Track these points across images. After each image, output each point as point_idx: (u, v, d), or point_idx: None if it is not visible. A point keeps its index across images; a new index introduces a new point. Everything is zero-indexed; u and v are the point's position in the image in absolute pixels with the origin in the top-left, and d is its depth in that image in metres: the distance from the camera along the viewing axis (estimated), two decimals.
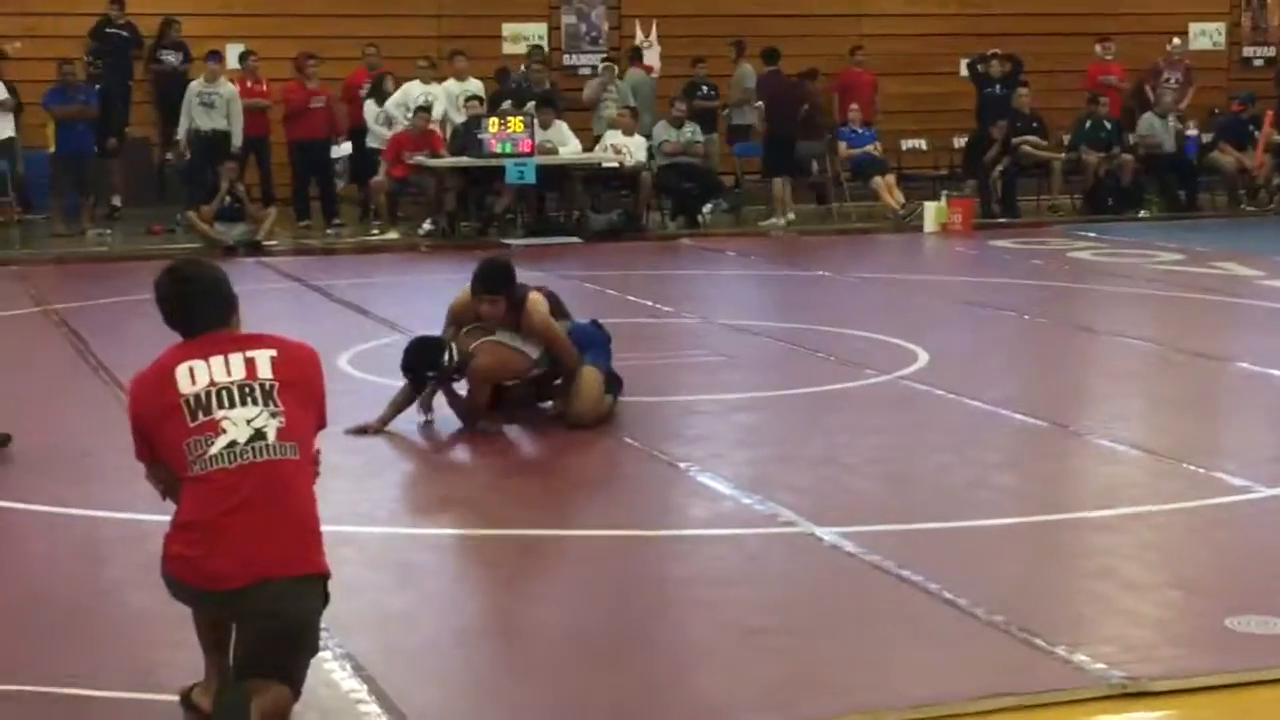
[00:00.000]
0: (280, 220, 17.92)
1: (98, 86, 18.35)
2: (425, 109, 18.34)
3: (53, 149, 18.07)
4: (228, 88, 18.14)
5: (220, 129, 17.97)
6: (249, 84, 18.52)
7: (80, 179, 18.19)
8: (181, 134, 18.06)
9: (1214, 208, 20.90)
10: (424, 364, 8.65)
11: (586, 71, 20.96)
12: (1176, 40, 22.25)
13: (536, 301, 8.73)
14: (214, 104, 17.99)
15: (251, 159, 18.45)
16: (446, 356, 8.60)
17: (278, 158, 18.93)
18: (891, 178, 19.78)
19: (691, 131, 19.22)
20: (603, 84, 19.86)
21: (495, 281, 8.67)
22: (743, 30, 21.11)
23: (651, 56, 21.40)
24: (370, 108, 18.93)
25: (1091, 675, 5.15)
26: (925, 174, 20.63)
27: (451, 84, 19.19)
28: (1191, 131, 20.89)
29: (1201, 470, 7.72)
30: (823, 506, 7.16)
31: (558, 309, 9.06)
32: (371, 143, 18.87)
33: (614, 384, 8.86)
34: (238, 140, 18.02)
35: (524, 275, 9.12)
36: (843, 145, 19.87)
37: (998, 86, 20.65)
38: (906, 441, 8.56)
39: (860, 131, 19.94)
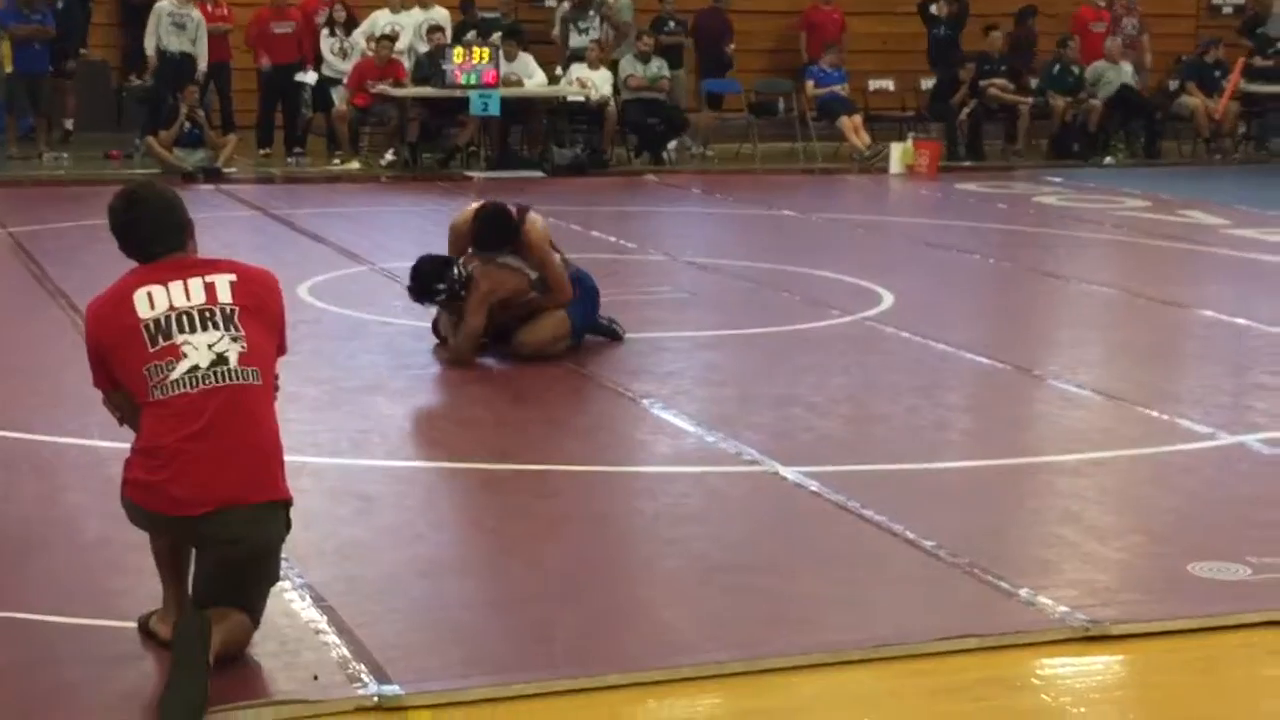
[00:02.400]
0: (240, 148, 17.76)
1: (58, 5, 18.10)
2: (390, 38, 18.16)
3: (9, 69, 17.84)
4: (196, 13, 17.92)
5: (188, 52, 17.78)
6: (209, 7, 18.29)
7: (35, 100, 17.97)
8: (151, 51, 17.82)
9: (1180, 155, 20.91)
10: (433, 278, 8.55)
11: (553, 3, 20.75)
12: None
13: (535, 221, 8.69)
14: (185, 25, 17.78)
15: (211, 85, 18.26)
16: (456, 271, 8.54)
17: (244, 84, 18.73)
18: (859, 118, 19.73)
19: (658, 67, 19.11)
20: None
21: (495, 241, 8.63)
22: None
23: None
24: (324, 37, 18.72)
25: (1054, 618, 5.15)
26: (892, 115, 20.56)
27: (416, 12, 18.99)
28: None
29: (1165, 416, 7.72)
30: (787, 446, 7.14)
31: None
32: (326, 72, 18.65)
33: (574, 336, 8.82)
34: (203, 65, 17.83)
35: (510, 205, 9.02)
36: (810, 84, 19.79)
37: (942, 28, 20.63)
38: (871, 382, 8.54)
39: (829, 71, 19.85)
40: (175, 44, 17.76)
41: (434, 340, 8.96)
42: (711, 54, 20.28)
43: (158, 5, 17.92)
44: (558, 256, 8.86)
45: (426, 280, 8.58)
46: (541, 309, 8.73)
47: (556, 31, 19.81)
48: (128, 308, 4.70)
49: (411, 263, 8.75)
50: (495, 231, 8.67)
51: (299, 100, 18.80)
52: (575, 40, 19.55)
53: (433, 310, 8.86)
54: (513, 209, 8.79)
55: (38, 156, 17.72)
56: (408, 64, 18.37)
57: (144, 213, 4.83)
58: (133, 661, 4.71)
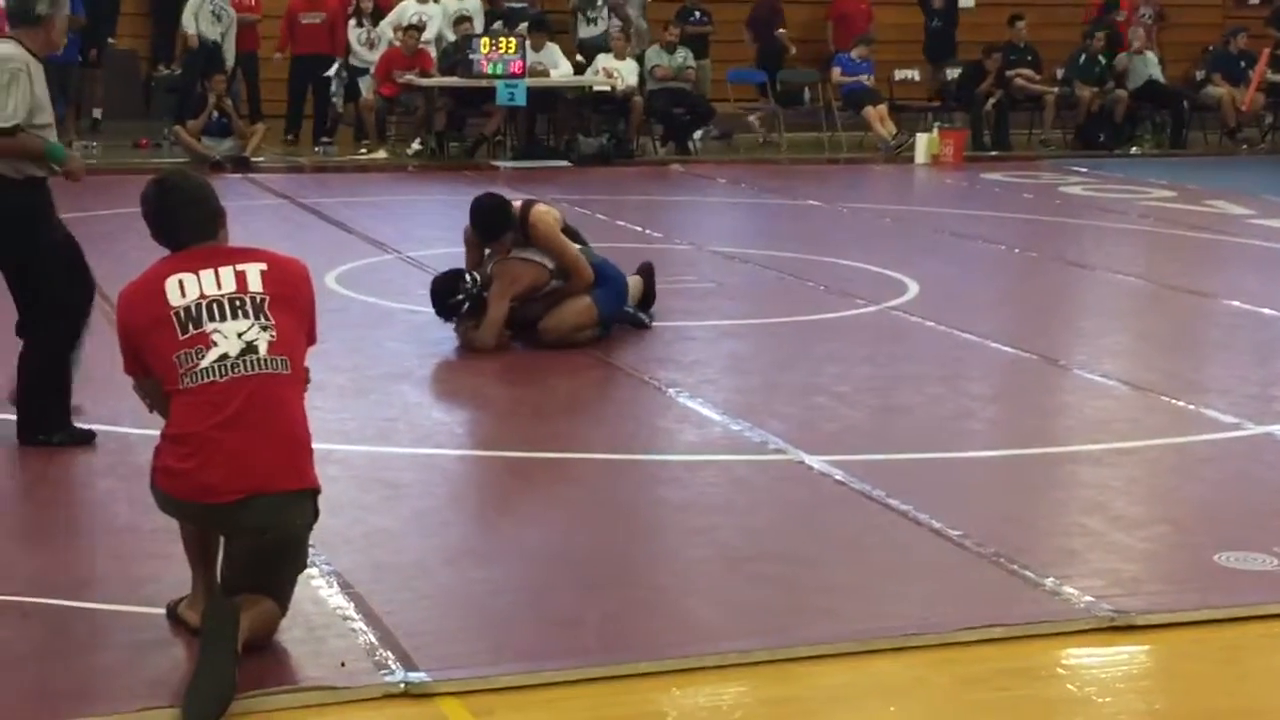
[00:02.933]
0: (268, 137, 17.80)
1: None
2: (416, 27, 18.17)
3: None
4: (231, 10, 17.95)
5: (218, 41, 17.81)
6: None
7: (65, 90, 18.01)
8: (191, 30, 17.81)
9: (1206, 145, 20.85)
10: (449, 292, 8.66)
11: None
12: None
13: (541, 213, 8.73)
14: (221, 17, 17.82)
15: (239, 75, 18.30)
16: (469, 278, 8.64)
17: (272, 73, 18.76)
18: (884, 108, 19.70)
19: (684, 56, 19.09)
20: None
21: (493, 229, 8.70)
22: None
23: None
24: (351, 28, 18.74)
25: (1079, 608, 5.16)
26: (917, 105, 20.52)
27: (446, 1, 19.02)
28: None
29: (1191, 406, 7.71)
30: (812, 435, 7.15)
31: (574, 234, 9.11)
32: (354, 62, 18.67)
33: (601, 325, 8.85)
34: (230, 58, 17.86)
35: (515, 200, 9.08)
36: (836, 71, 19.72)
37: (935, 19, 20.60)
38: (896, 372, 8.54)
39: (857, 61, 19.79)
40: (210, 32, 17.79)
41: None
42: (767, 42, 20.23)
43: None
44: (575, 246, 8.89)
45: (443, 297, 8.71)
46: (566, 295, 8.75)
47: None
48: (159, 295, 4.73)
49: (438, 251, 8.79)
50: (489, 218, 8.74)
51: (327, 90, 18.83)
52: (585, 31, 19.58)
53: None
54: (514, 201, 8.83)
55: (67, 145, 17.75)
56: (434, 53, 18.38)
57: (177, 201, 4.86)
58: (162, 647, 4.74)
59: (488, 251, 8.87)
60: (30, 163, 6.72)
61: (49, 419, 6.81)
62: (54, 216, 6.84)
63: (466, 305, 8.66)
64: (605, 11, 19.77)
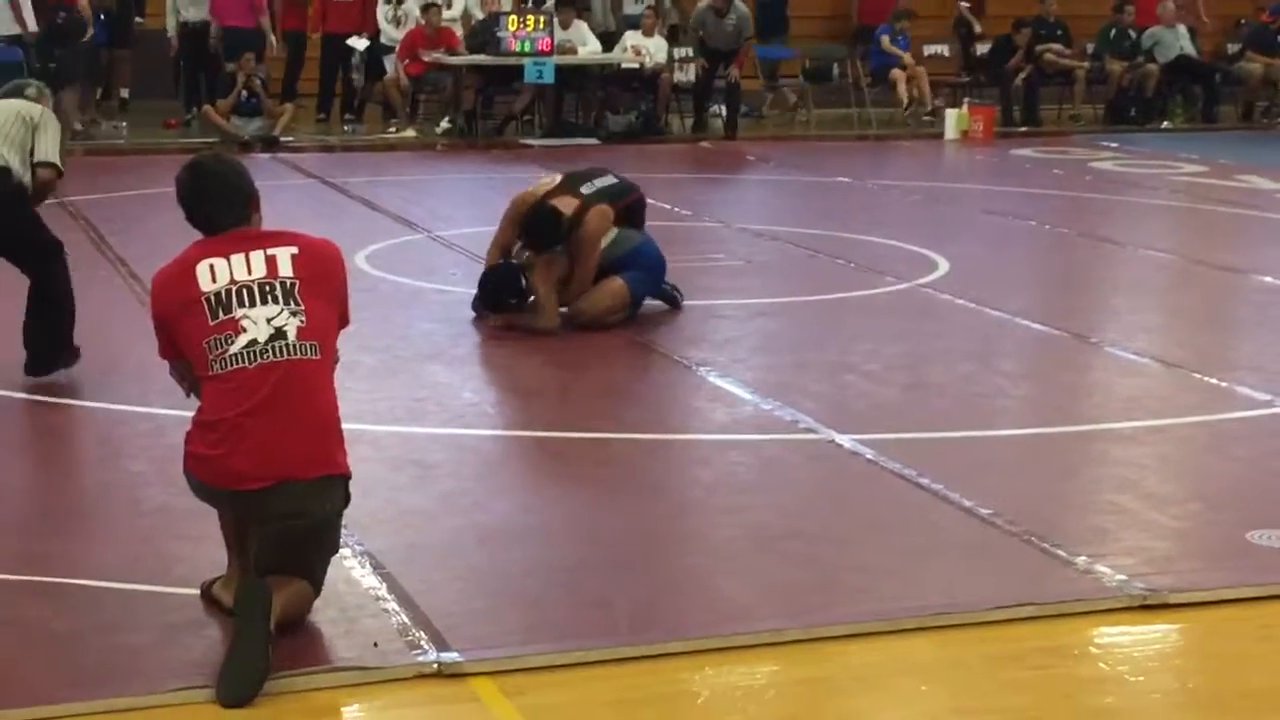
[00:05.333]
0: (298, 116, 17.82)
1: None
2: (438, 5, 18.13)
3: None
4: None
5: (206, 20, 17.78)
6: None
7: (92, 70, 18.05)
8: (170, 29, 17.92)
9: (1238, 120, 20.73)
10: (505, 291, 8.75)
11: None
12: None
13: (589, 219, 8.69)
14: None
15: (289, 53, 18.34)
16: (524, 281, 8.72)
17: (307, 52, 18.77)
18: (924, 79, 19.54)
19: (736, 19, 18.68)
20: None
21: (542, 239, 8.69)
22: None
23: None
24: (380, 5, 18.73)
25: (1112, 587, 5.15)
26: (947, 81, 20.44)
27: None
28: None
29: (1223, 384, 7.68)
30: (843, 413, 7.14)
31: (636, 218, 9.13)
32: (383, 40, 18.66)
33: (634, 307, 8.87)
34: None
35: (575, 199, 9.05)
36: (885, 39, 19.53)
37: None
38: (926, 350, 8.52)
39: (898, 34, 19.66)
40: (193, 14, 17.79)
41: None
42: (772, 15, 20.16)
43: None
44: (630, 236, 8.89)
45: (498, 293, 8.75)
46: (601, 277, 8.76)
47: None
48: (190, 280, 4.74)
49: (468, 230, 8.79)
50: (540, 230, 8.72)
51: (350, 68, 18.85)
52: (627, 6, 19.53)
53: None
54: (575, 198, 8.78)
55: (95, 124, 17.81)
56: (460, 32, 18.36)
57: (210, 185, 4.86)
58: (195, 628, 4.76)
59: (519, 248, 8.87)
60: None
61: (65, 352, 7.57)
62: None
63: (515, 301, 8.70)
64: None
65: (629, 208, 9.12)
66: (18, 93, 7.73)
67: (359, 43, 18.53)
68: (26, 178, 7.39)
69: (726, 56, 18.49)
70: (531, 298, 8.72)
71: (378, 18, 18.58)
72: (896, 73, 19.37)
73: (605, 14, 19.69)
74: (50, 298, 7.58)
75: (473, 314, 8.88)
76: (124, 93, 18.87)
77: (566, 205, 8.72)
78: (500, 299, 8.77)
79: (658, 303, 9.14)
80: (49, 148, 7.45)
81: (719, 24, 18.54)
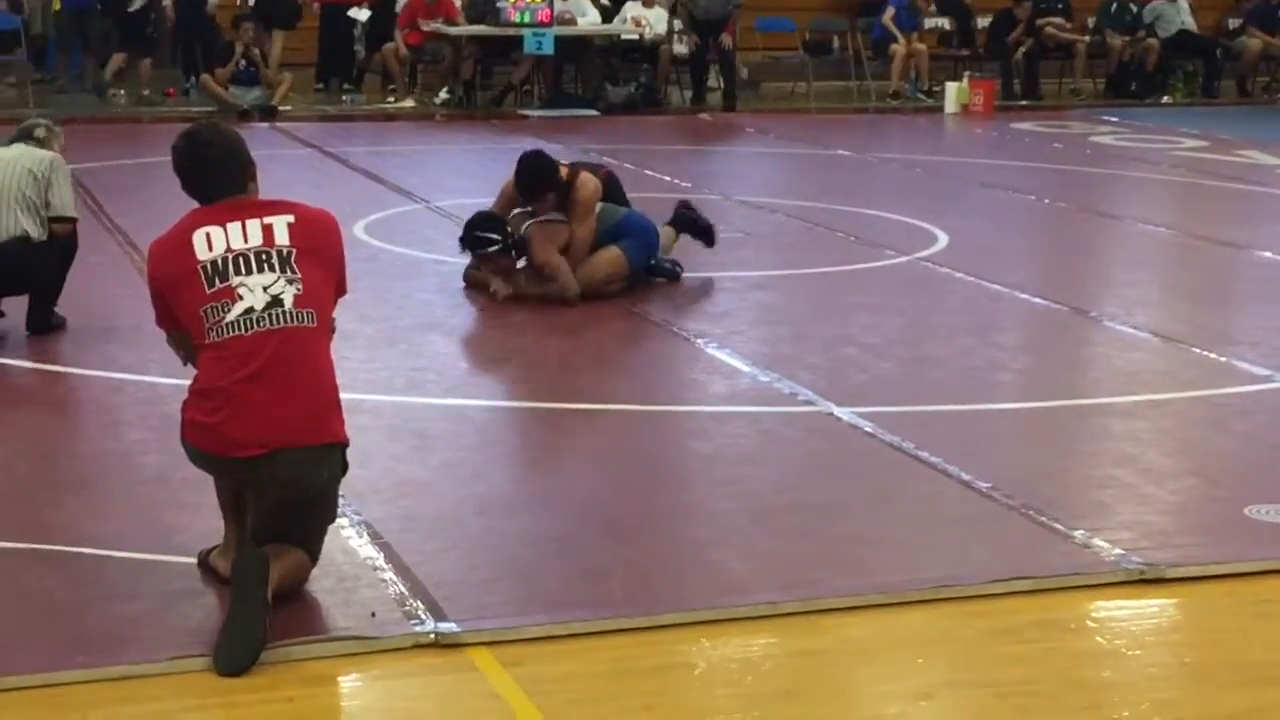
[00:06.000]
0: (296, 86, 17.77)
1: None
2: None
3: (57, 6, 17.88)
4: None
5: None
6: None
7: (85, 37, 18.01)
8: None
9: (1239, 94, 20.71)
10: (485, 229, 8.67)
11: None
12: None
13: (586, 182, 8.71)
14: None
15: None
16: (508, 228, 8.67)
17: (305, 21, 18.72)
18: (924, 55, 19.49)
19: None
20: None
21: (537, 185, 8.67)
22: None
23: None
24: None
25: (1109, 561, 5.15)
26: (948, 54, 20.39)
27: None
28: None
29: (1221, 359, 7.68)
30: (841, 386, 7.14)
31: (616, 193, 9.10)
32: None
33: (632, 275, 8.86)
34: None
35: (547, 149, 9.08)
36: (890, 11, 19.45)
37: None
38: (925, 323, 8.52)
39: (906, 14, 19.59)
40: None
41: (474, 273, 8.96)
42: None
43: None
44: (614, 210, 8.89)
45: (478, 228, 8.69)
46: (597, 248, 8.75)
47: None
48: (187, 249, 4.72)
49: (466, 200, 8.78)
50: (535, 176, 8.70)
51: (351, 38, 18.80)
52: None
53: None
54: (563, 164, 8.80)
55: (97, 94, 17.78)
56: (458, 1, 18.29)
57: (207, 154, 4.84)
58: (192, 597, 4.76)
59: (516, 211, 8.84)
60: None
61: (53, 308, 7.79)
62: None
63: (495, 249, 8.64)
64: None
65: (609, 177, 9.13)
66: (27, 134, 7.79)
67: (361, 13, 18.49)
68: (40, 232, 7.51)
69: (717, 26, 18.44)
70: (510, 246, 8.68)
71: None
72: (895, 48, 19.31)
73: None
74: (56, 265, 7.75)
75: (464, 284, 8.89)
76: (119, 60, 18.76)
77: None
78: (481, 237, 8.68)
79: (659, 279, 9.12)
80: (63, 200, 7.58)
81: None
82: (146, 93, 17.34)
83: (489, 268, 8.72)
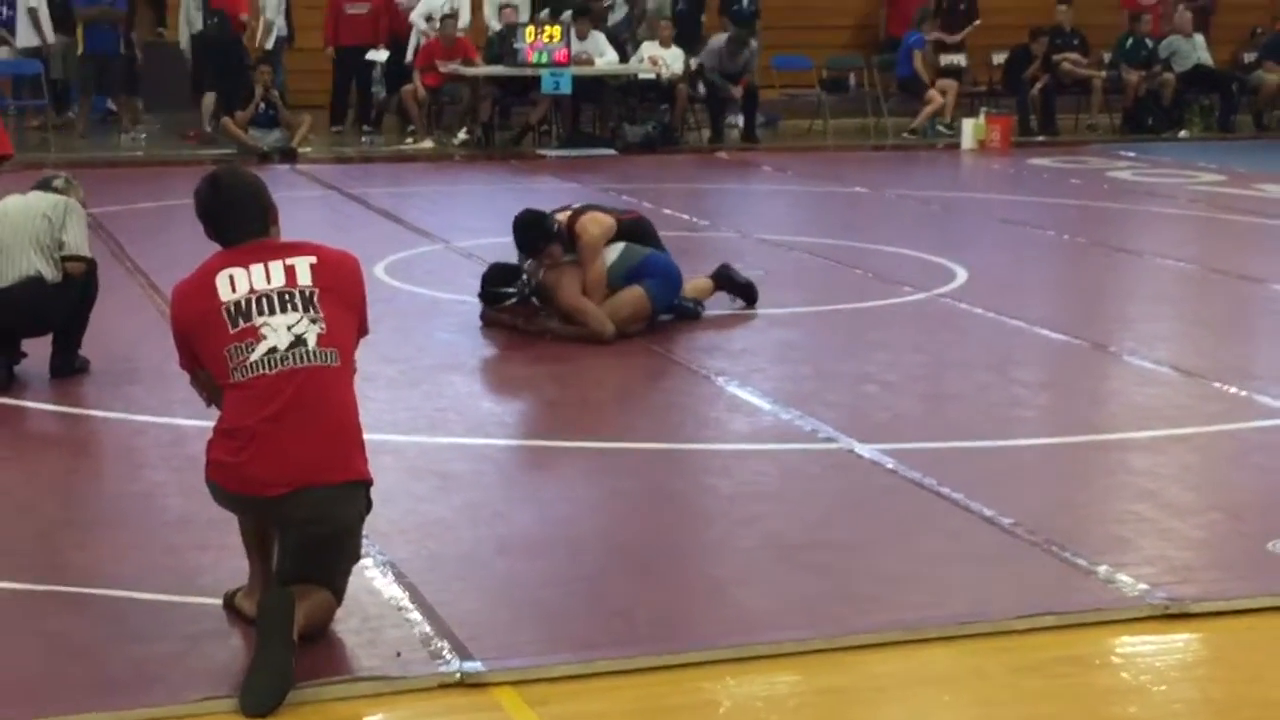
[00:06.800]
0: (314, 128, 17.86)
1: None
2: (452, 16, 18.17)
3: (80, 50, 18.02)
4: None
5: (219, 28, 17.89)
6: None
7: (107, 80, 18.15)
8: (184, 41, 18.03)
9: (1256, 129, 20.71)
10: (503, 280, 8.79)
11: None
12: None
13: (585, 225, 8.75)
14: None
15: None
16: (524, 276, 8.75)
17: (319, 64, 18.83)
18: (953, 85, 19.54)
19: (749, 54, 18.63)
20: None
21: (534, 243, 8.73)
22: None
23: None
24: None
25: (1133, 596, 5.14)
26: (964, 90, 20.43)
27: None
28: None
29: (1242, 393, 7.67)
30: (862, 423, 7.14)
31: (646, 235, 9.16)
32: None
33: (655, 315, 8.89)
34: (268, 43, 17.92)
35: (561, 188, 9.12)
36: (919, 55, 19.51)
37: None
38: (945, 359, 8.53)
39: (925, 38, 19.62)
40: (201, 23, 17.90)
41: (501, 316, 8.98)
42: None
43: None
44: (638, 251, 8.91)
45: (495, 282, 8.82)
46: (620, 288, 8.77)
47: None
48: (210, 290, 4.76)
49: (485, 240, 8.83)
50: (526, 234, 8.77)
51: (369, 80, 18.92)
52: (610, 19, 19.59)
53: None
54: (559, 214, 8.85)
55: (119, 135, 17.91)
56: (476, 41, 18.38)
57: (229, 198, 4.89)
58: (218, 638, 4.77)
59: (530, 263, 8.89)
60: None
61: (77, 351, 7.84)
62: None
63: (514, 300, 8.72)
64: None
65: (631, 226, 9.14)
66: (45, 185, 7.90)
67: (379, 55, 18.60)
68: (55, 273, 7.58)
69: (732, 77, 18.56)
70: (529, 293, 8.74)
71: (415, 23, 18.55)
72: (932, 94, 19.32)
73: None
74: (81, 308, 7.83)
75: (480, 320, 8.94)
76: (139, 103, 18.90)
77: (559, 215, 8.84)
78: (492, 287, 8.82)
79: (682, 318, 9.15)
80: (76, 240, 7.64)
81: (732, 58, 18.60)
82: (207, 129, 17.50)
83: (511, 314, 8.78)
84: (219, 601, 4.96)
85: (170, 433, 6.85)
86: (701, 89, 18.74)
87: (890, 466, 6.47)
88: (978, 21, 20.50)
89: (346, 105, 18.90)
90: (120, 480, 6.48)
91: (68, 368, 7.75)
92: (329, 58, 18.66)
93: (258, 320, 4.72)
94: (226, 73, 17.81)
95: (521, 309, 8.77)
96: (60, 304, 7.65)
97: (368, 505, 4.86)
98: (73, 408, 7.40)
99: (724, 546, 5.72)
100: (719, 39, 18.77)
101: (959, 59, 20.54)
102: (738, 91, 18.55)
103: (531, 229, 8.75)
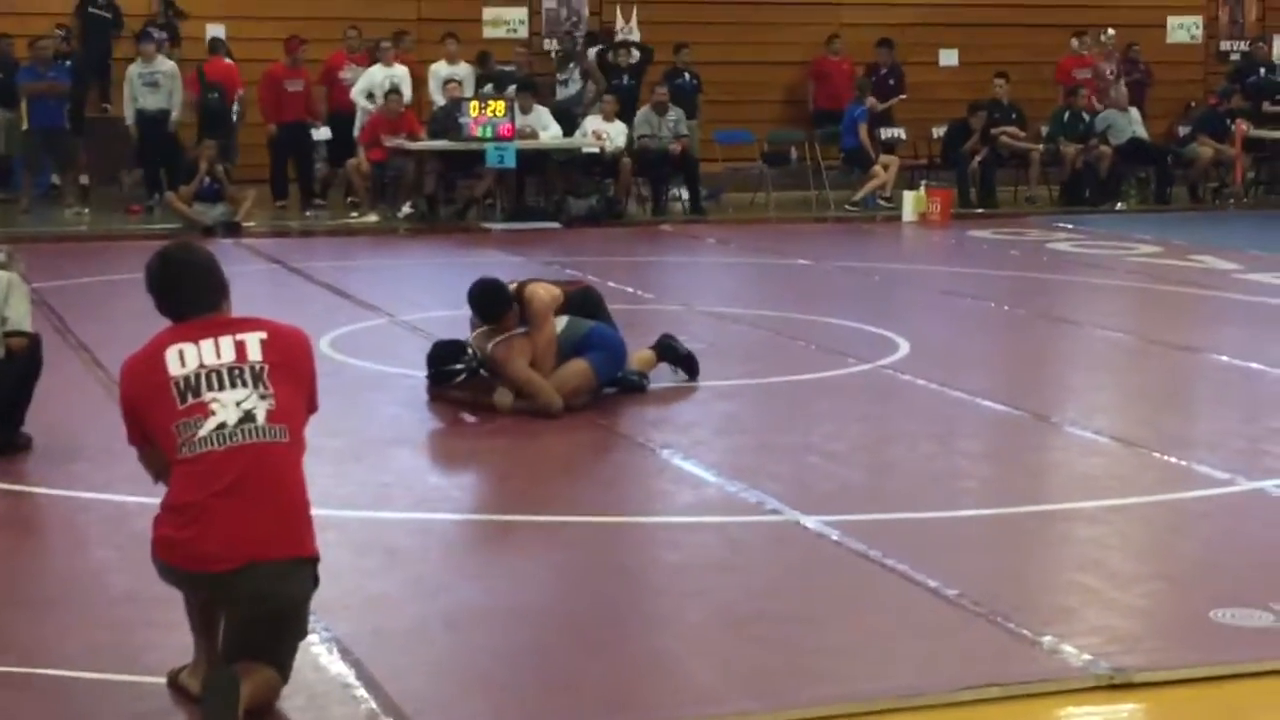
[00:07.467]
0: (258, 202, 17.87)
1: (68, 63, 18.30)
2: (396, 91, 18.27)
3: (25, 126, 18.01)
4: (168, 65, 18.17)
5: (164, 108, 17.97)
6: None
7: (52, 155, 18.13)
8: (129, 118, 18.08)
9: (1190, 201, 20.98)
10: (449, 358, 8.78)
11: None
12: (1110, 31, 22.19)
13: (536, 292, 8.80)
14: (157, 83, 18.00)
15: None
16: (470, 351, 8.75)
17: (257, 139, 18.88)
18: (895, 160, 19.76)
19: (676, 117, 19.05)
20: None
21: (495, 309, 8.77)
22: (723, 17, 21.33)
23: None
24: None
25: (1078, 666, 5.17)
26: (904, 163, 20.63)
27: (441, 65, 19.24)
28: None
29: (1182, 462, 7.75)
30: (807, 495, 7.18)
31: (592, 305, 9.21)
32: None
33: (599, 388, 8.91)
34: (176, 115, 18.00)
35: (507, 262, 9.16)
36: (864, 128, 19.76)
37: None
38: (889, 430, 8.58)
39: (867, 111, 19.84)
40: (151, 102, 17.97)
41: (452, 393, 8.99)
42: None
43: (130, 67, 18.16)
44: (582, 324, 8.95)
45: (441, 362, 8.81)
46: (564, 361, 8.80)
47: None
48: (159, 365, 4.77)
49: (431, 314, 8.84)
50: (487, 300, 8.81)
51: (311, 155, 19.01)
52: (559, 93, 19.74)
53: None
54: (511, 283, 8.91)
55: (63, 210, 17.90)
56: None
57: (180, 273, 4.91)
58: (163, 716, 4.75)
59: (478, 331, 8.91)
60: None
61: (19, 427, 7.81)
62: None
63: (463, 376, 8.73)
64: (577, 73, 19.97)
65: (579, 297, 9.21)
66: None
67: (321, 132, 18.70)
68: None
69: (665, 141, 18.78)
70: (477, 368, 8.74)
71: (355, 101, 18.66)
72: (877, 169, 19.53)
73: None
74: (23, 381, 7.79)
75: (440, 399, 8.92)
76: (83, 178, 18.88)
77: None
78: (438, 367, 8.80)
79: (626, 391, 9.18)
80: (19, 315, 7.67)
81: (660, 121, 18.78)
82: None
83: (465, 391, 8.78)
84: (164, 680, 4.93)
85: (115, 509, 6.81)
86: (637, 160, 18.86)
87: (835, 538, 6.50)
88: (903, 95, 20.81)
89: (287, 180, 18.93)
90: (64, 557, 6.44)
91: (8, 444, 7.70)
92: (270, 134, 18.70)
93: (207, 396, 4.72)
94: (161, 150, 17.92)
95: (470, 384, 8.77)
96: (3, 380, 7.62)
97: (315, 582, 4.86)
98: (15, 484, 7.34)
99: (671, 619, 5.73)
100: (644, 109, 18.99)
101: (898, 132, 20.75)
102: (676, 147, 18.66)
103: (493, 296, 8.78)
